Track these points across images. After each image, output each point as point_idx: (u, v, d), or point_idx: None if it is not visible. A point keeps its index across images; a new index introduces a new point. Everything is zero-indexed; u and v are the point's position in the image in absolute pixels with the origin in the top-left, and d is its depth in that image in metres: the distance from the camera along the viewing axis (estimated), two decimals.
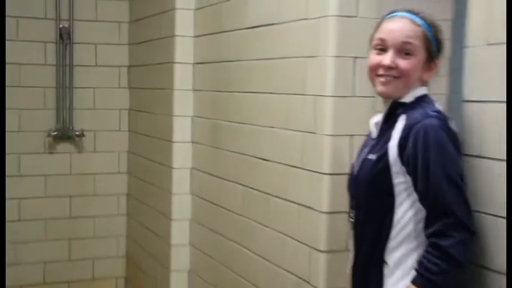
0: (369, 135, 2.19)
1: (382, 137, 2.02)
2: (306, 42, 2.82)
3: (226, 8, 3.59)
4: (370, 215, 1.99)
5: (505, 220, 1.85)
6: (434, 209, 1.84)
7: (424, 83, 2.03)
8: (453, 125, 1.96)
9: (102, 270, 5.03)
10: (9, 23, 4.63)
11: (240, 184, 3.44)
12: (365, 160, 2.04)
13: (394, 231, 1.92)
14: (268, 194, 3.14)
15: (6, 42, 4.62)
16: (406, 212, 1.91)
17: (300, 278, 2.85)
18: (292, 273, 2.91)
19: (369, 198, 2.00)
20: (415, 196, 1.90)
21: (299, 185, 2.86)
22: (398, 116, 1.97)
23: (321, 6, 2.70)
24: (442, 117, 1.92)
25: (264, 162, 3.18)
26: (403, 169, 1.90)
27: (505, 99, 1.86)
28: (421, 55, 1.97)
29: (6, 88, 4.62)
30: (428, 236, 1.85)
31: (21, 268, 4.79)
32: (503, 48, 1.88)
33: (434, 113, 1.92)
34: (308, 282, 2.78)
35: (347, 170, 2.64)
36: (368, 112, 2.66)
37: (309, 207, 2.78)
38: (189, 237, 4.12)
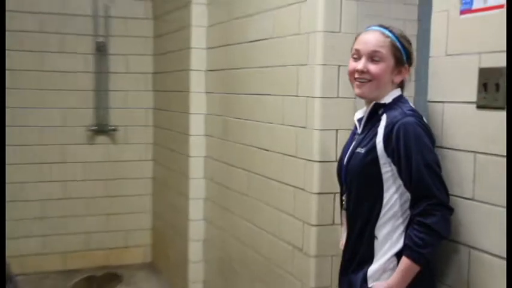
0: (353, 130, 2.16)
1: (367, 133, 1.98)
2: (298, 53, 2.81)
3: (233, 25, 3.58)
4: (361, 199, 1.96)
5: (468, 200, 1.86)
6: (417, 192, 1.83)
7: (398, 85, 2.01)
8: (425, 120, 1.96)
9: (133, 239, 5.06)
10: (57, 39, 4.69)
11: (245, 170, 3.44)
12: (354, 153, 2.00)
13: (382, 211, 1.90)
14: (268, 177, 3.14)
15: (55, 54, 4.68)
16: (393, 195, 1.90)
17: (294, 246, 2.86)
18: (288, 243, 2.92)
19: (360, 185, 1.96)
20: (399, 182, 1.89)
21: (293, 171, 2.86)
22: (380, 115, 1.95)
23: (310, 24, 2.69)
24: (417, 115, 1.91)
25: (264, 151, 3.18)
26: (389, 160, 1.89)
27: (461, 100, 1.87)
28: (389, 61, 1.95)
29: (55, 91, 4.69)
30: (414, 216, 1.84)
31: (68, 238, 4.85)
32: (459, 58, 1.88)
33: (411, 112, 1.91)
34: (301, 250, 2.79)
35: (333, 158, 2.66)
36: (350, 111, 2.66)
37: (302, 189, 2.78)
38: (203, 213, 4.13)
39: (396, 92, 1.99)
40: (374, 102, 1.98)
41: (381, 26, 2.01)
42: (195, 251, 4.15)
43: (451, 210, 1.84)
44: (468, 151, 1.85)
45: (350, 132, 2.43)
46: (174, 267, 4.49)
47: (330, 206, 2.68)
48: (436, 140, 1.95)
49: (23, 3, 4.59)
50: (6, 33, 4.49)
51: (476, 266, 1.83)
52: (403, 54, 1.97)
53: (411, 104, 2.00)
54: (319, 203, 2.68)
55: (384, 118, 1.93)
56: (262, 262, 3.22)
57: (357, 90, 1.99)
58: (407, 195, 1.88)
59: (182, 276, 4.26)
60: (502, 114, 1.72)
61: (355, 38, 2.06)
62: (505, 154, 1.71)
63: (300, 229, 2.80)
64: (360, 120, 2.08)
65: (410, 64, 2.02)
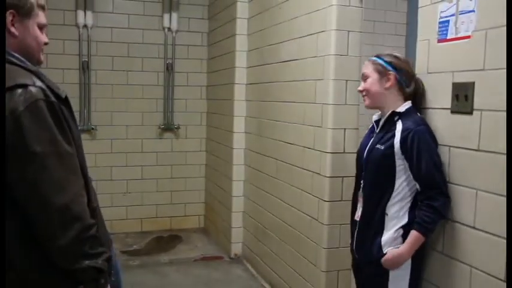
0: (370, 129, 2.06)
1: (385, 134, 1.91)
2: (315, 71, 2.81)
3: (267, 50, 3.58)
4: (377, 184, 1.91)
5: (453, 185, 1.86)
6: (427, 183, 1.81)
7: (407, 98, 1.93)
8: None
9: (190, 210, 5.06)
10: (139, 61, 4.76)
11: (274, 158, 3.44)
12: (374, 148, 1.93)
13: (393, 194, 1.86)
14: (292, 164, 3.14)
15: (137, 72, 4.75)
16: (402, 183, 1.86)
17: (312, 217, 2.86)
18: (307, 214, 2.92)
19: (377, 173, 1.91)
20: (408, 174, 1.84)
21: (311, 159, 2.86)
22: (396, 121, 1.90)
23: (325, 49, 2.69)
24: (426, 124, 1.88)
25: (289, 145, 3.19)
26: (403, 157, 1.84)
27: (439, 107, 1.86)
28: (373, 75, 1.93)
29: (137, 99, 4.76)
30: (423, 200, 1.81)
31: (143, 208, 4.90)
32: (438, 75, 1.87)
33: (421, 122, 1.87)
34: (317, 220, 2.80)
35: (342, 150, 2.66)
36: (354, 114, 2.66)
37: (318, 173, 2.78)
38: (243, 191, 4.13)
39: (408, 104, 1.92)
40: (392, 110, 1.92)
41: (373, 56, 1.98)
42: (236, 219, 4.16)
43: (449, 198, 1.81)
44: (444, 145, 1.84)
45: (356, 130, 2.41)
46: (220, 231, 4.51)
47: (339, 186, 2.68)
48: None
49: (117, 36, 4.69)
50: (104, 57, 4.66)
51: (449, 232, 1.84)
52: (385, 65, 1.92)
53: (420, 115, 1.94)
54: (330, 184, 2.68)
55: (399, 123, 1.87)
56: (286, 228, 3.23)
57: (364, 103, 2.02)
58: (414, 184, 1.84)
59: (226, 238, 4.29)
60: (470, 117, 1.71)
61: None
62: (472, 148, 1.71)
63: (316, 204, 2.80)
64: (376, 121, 2.03)
65: (398, 71, 1.91)
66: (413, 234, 1.81)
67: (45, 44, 1.43)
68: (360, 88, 1.99)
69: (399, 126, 1.86)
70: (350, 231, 2.10)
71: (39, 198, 1.21)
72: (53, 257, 1.26)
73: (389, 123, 1.92)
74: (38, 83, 1.26)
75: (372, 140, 1.99)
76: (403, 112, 1.90)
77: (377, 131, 1.98)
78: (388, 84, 1.92)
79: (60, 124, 1.26)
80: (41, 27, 1.40)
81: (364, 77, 1.96)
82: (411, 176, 1.84)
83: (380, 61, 1.94)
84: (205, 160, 5.04)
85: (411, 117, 1.88)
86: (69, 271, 1.26)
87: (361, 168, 2.03)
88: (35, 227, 1.24)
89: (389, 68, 1.92)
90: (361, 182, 2.00)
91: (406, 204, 1.87)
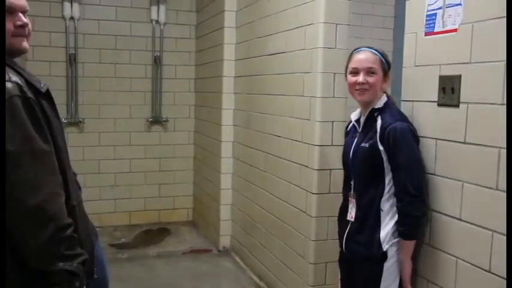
0: (351, 130, 2.06)
1: (368, 131, 1.92)
2: (303, 64, 2.80)
3: (255, 43, 3.57)
4: (368, 182, 1.90)
5: (430, 175, 1.86)
6: (395, 179, 1.83)
7: (384, 92, 1.97)
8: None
9: (179, 203, 5.04)
10: (128, 54, 4.71)
11: (263, 151, 3.43)
12: (359, 147, 1.93)
13: (386, 190, 1.86)
14: (280, 157, 3.13)
15: (125, 65, 4.70)
16: (392, 177, 1.86)
17: (300, 209, 2.86)
18: (295, 207, 2.92)
19: (366, 171, 1.91)
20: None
21: (300, 152, 2.85)
22: (376, 116, 1.91)
23: (313, 42, 2.68)
24: (404, 118, 1.89)
25: (278, 137, 3.18)
26: (383, 150, 1.85)
27: (426, 99, 1.86)
28: (380, 73, 1.92)
29: (125, 92, 4.72)
30: (397, 201, 1.82)
31: (132, 201, 4.85)
32: (425, 68, 1.87)
33: (399, 116, 1.88)
34: (305, 212, 2.80)
35: (329, 143, 2.66)
36: (342, 107, 2.66)
37: (306, 166, 2.78)
38: (231, 183, 4.12)
39: (384, 98, 1.94)
40: (371, 107, 1.93)
41: (368, 47, 1.97)
42: (224, 212, 4.15)
43: (419, 197, 1.80)
44: (431, 138, 1.84)
45: (343, 123, 2.37)
46: (209, 224, 4.50)
47: (327, 179, 2.67)
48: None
49: (105, 29, 4.62)
50: (91, 50, 4.59)
51: (435, 224, 1.84)
52: (387, 67, 1.95)
53: (398, 108, 1.96)
54: (318, 176, 2.68)
55: (379, 119, 1.88)
56: (275, 221, 3.23)
57: (360, 97, 1.93)
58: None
59: (215, 231, 4.28)
60: (457, 110, 1.71)
61: (350, 57, 1.99)
62: (459, 140, 1.71)
63: (304, 196, 2.80)
64: (357, 121, 2.02)
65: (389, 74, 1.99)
66: (403, 243, 1.84)
67: (21, 26, 1.30)
68: (363, 80, 1.91)
69: (379, 121, 1.88)
70: (338, 231, 2.09)
71: (12, 198, 1.17)
72: (26, 258, 1.22)
73: (370, 120, 1.93)
74: (14, 78, 1.21)
75: (355, 140, 1.99)
76: (381, 107, 1.92)
77: (359, 130, 1.98)
78: (385, 86, 1.95)
79: (35, 121, 1.21)
80: (13, 10, 1.28)
81: (371, 71, 1.91)
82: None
83: (384, 60, 1.94)
84: (193, 153, 5.02)
85: (389, 111, 1.89)
86: (42, 273, 1.22)
87: (348, 169, 2.02)
88: (8, 226, 1.19)
89: (388, 71, 1.94)
90: (351, 182, 1.99)
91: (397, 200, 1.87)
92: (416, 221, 1.82)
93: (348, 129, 2.11)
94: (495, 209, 1.55)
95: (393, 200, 1.86)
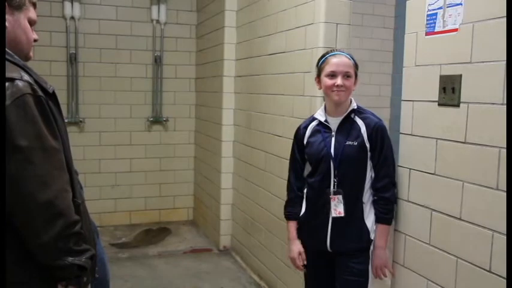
0: (315, 128, 2.11)
1: (349, 130, 2.02)
2: (304, 63, 2.80)
3: (255, 43, 3.57)
4: (356, 177, 2.03)
5: (430, 175, 1.86)
6: (384, 173, 2.01)
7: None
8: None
9: (179, 202, 5.06)
10: (129, 54, 4.72)
11: (263, 151, 3.44)
12: (345, 146, 2.00)
13: (365, 183, 2.03)
14: (280, 157, 3.13)
15: (125, 64, 4.71)
16: (370, 172, 2.03)
17: None
18: None
19: (354, 167, 2.01)
20: (371, 163, 2.03)
21: None
22: (353, 117, 2.03)
23: (313, 41, 2.68)
24: (381, 120, 2.06)
25: (278, 137, 3.18)
26: (370, 148, 2.01)
27: (427, 99, 1.86)
28: (353, 76, 2.04)
29: (125, 92, 4.73)
30: (377, 190, 2.02)
31: (132, 200, 4.88)
32: (425, 68, 1.87)
33: (376, 116, 2.06)
34: None
35: None
36: None
37: None
38: (232, 183, 4.13)
39: (353, 99, 2.08)
40: (351, 108, 2.04)
41: (341, 51, 2.09)
42: (225, 211, 4.17)
43: (396, 186, 2.03)
44: (431, 137, 1.84)
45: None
46: (209, 223, 4.51)
47: None
48: (405, 129, 1.99)
49: (105, 28, 4.63)
50: (91, 49, 4.59)
51: (435, 223, 1.84)
52: (357, 70, 2.07)
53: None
54: None
55: (358, 118, 2.02)
56: (275, 220, 3.23)
57: (336, 98, 2.01)
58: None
59: (215, 230, 4.29)
60: (457, 110, 1.71)
61: (325, 60, 2.05)
62: (459, 140, 1.71)
63: None
64: (326, 121, 2.07)
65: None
66: (382, 227, 2.02)
67: (35, 40, 1.42)
68: (341, 83, 2.00)
69: (360, 120, 2.02)
70: (309, 231, 2.13)
71: (22, 194, 1.19)
72: (34, 254, 1.23)
73: (349, 120, 2.04)
74: (26, 77, 1.25)
75: (333, 139, 2.03)
76: (356, 108, 2.06)
77: (335, 130, 2.05)
78: (355, 87, 2.08)
79: (46, 119, 1.24)
80: (31, 23, 1.39)
81: (347, 74, 2.02)
82: (371, 165, 2.02)
83: (355, 64, 2.07)
84: (194, 153, 5.02)
85: (366, 111, 2.06)
86: (51, 268, 1.24)
87: (327, 166, 2.03)
88: (17, 222, 1.21)
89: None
90: (333, 179, 2.02)
91: (371, 191, 2.05)
92: (395, 207, 2.04)
93: (311, 129, 2.12)
94: (495, 208, 1.55)
95: (370, 192, 2.04)
